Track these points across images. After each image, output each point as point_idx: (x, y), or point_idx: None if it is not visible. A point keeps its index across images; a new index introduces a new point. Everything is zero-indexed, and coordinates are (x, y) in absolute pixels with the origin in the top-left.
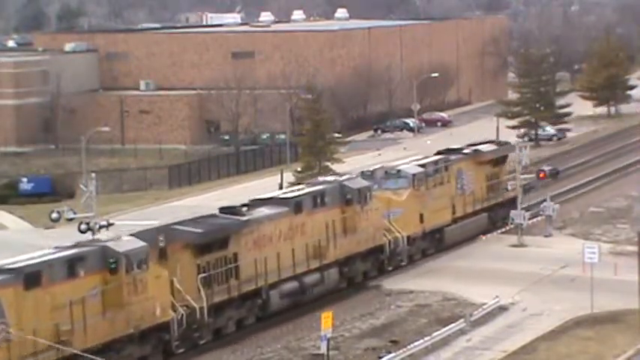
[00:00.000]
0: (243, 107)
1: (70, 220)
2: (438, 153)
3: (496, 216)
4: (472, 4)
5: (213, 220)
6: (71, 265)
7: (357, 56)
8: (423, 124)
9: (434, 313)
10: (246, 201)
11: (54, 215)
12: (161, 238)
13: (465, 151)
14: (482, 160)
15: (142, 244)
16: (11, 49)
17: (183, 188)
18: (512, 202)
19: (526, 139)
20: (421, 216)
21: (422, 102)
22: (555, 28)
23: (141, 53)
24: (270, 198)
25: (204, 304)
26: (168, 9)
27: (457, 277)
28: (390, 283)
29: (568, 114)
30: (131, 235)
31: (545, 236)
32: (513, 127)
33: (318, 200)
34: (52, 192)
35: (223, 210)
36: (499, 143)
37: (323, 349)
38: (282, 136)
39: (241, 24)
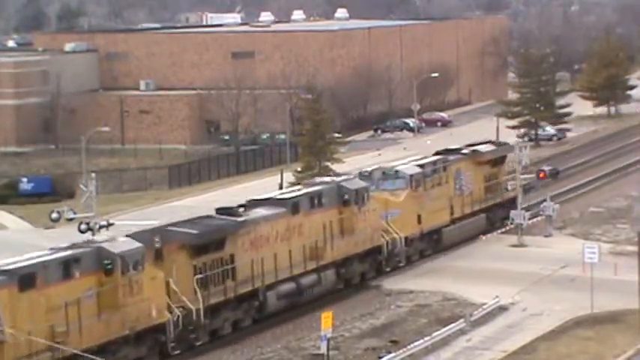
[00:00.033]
0: (243, 107)
1: (70, 220)
2: (437, 153)
3: (495, 217)
4: (472, 4)
5: (209, 220)
6: (66, 267)
7: (357, 56)
8: (423, 124)
9: (434, 313)
10: (245, 201)
11: (54, 215)
12: (157, 239)
13: (464, 151)
14: (481, 160)
15: (137, 245)
16: (11, 49)
17: (183, 188)
18: (511, 203)
19: (526, 139)
20: (419, 217)
21: (422, 102)
22: (555, 28)
23: (141, 53)
24: (267, 199)
25: (201, 306)
26: (168, 9)
27: (457, 277)
28: (390, 283)
29: (568, 114)
30: (127, 236)
31: (545, 236)
32: (513, 127)
33: (316, 201)
34: (52, 192)
35: (220, 211)
36: (497, 144)
37: (323, 349)
38: (282, 136)
39: (241, 24)
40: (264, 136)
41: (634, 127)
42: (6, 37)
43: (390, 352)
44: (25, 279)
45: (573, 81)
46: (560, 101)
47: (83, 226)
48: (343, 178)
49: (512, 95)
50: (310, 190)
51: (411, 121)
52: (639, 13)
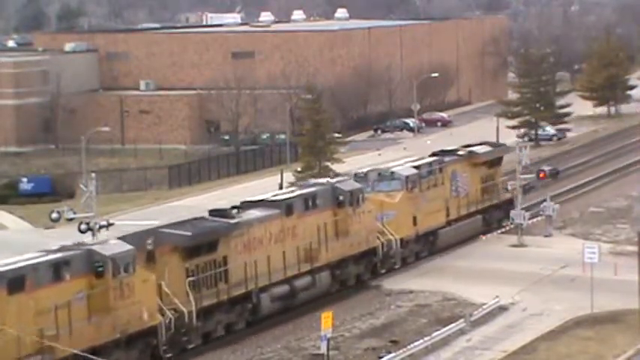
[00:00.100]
0: (243, 107)
1: (70, 220)
2: (433, 154)
3: (491, 218)
4: (472, 4)
5: (202, 222)
6: (56, 269)
7: (357, 56)
8: (423, 124)
9: (434, 313)
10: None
11: (54, 215)
12: (149, 241)
13: (460, 152)
14: (477, 161)
15: (128, 247)
16: (11, 49)
17: (183, 188)
18: (507, 204)
19: (526, 139)
20: (414, 218)
21: (422, 102)
22: (555, 28)
23: (141, 53)
24: (261, 200)
25: (193, 308)
26: (168, 9)
27: (457, 277)
28: (390, 283)
29: (568, 114)
30: (118, 238)
31: (545, 236)
32: (513, 127)
33: (310, 202)
34: (52, 192)
35: (213, 212)
36: (494, 145)
37: (323, 349)
38: (282, 136)
39: (241, 24)
40: (264, 136)
41: (634, 127)
42: (6, 37)
43: (390, 352)
44: (14, 282)
45: (573, 81)
46: (560, 101)
47: (83, 226)
48: (338, 179)
49: (512, 95)
50: (304, 191)
51: (411, 121)
52: (639, 13)
